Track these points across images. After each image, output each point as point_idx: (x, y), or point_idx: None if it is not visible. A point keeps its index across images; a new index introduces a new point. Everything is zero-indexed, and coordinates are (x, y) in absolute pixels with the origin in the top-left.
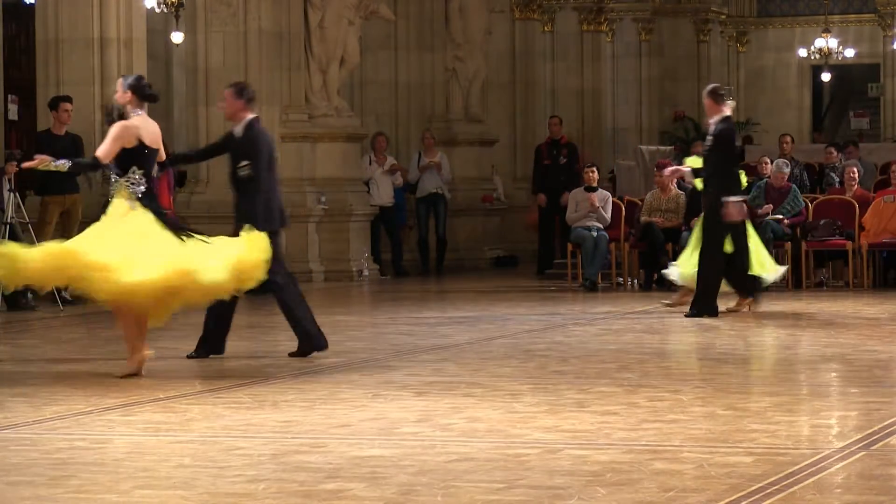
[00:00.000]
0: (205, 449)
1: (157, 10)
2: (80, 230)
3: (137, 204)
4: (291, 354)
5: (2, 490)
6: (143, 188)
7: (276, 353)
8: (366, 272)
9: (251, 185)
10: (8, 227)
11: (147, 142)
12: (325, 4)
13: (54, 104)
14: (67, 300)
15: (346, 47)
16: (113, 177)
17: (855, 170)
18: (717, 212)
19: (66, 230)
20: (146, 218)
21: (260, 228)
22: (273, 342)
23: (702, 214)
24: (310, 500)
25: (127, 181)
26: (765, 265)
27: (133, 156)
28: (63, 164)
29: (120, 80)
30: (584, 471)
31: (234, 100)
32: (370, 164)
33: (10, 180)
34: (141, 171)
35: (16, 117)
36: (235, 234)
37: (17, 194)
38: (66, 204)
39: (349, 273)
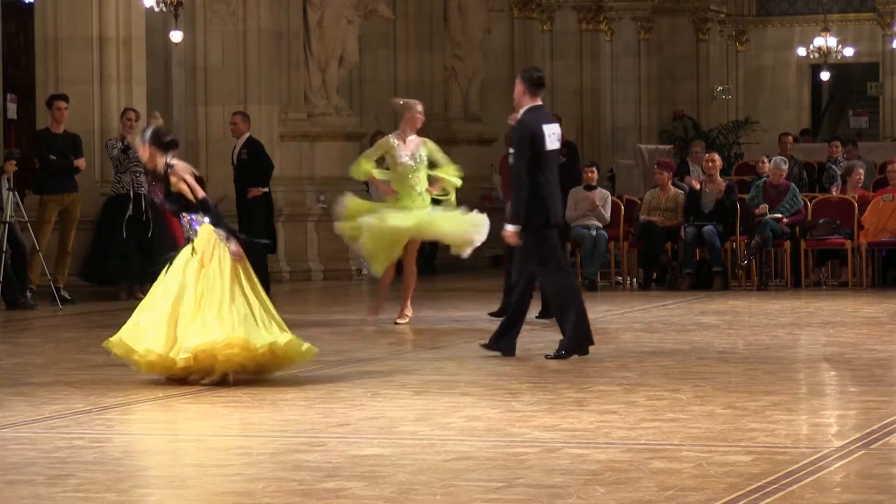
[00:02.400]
0: (204, 448)
1: (157, 9)
2: (79, 229)
3: (219, 234)
4: (547, 356)
5: (1, 489)
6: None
7: None
8: (365, 271)
9: (513, 178)
10: (7, 225)
11: None
12: (324, 3)
13: (49, 103)
14: (66, 299)
15: (345, 46)
16: (192, 218)
17: (862, 172)
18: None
19: (65, 229)
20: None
21: (513, 222)
22: None
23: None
24: (309, 499)
25: (204, 219)
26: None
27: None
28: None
29: (138, 140)
30: (584, 469)
31: (519, 85)
32: None
33: (9, 179)
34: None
35: (14, 116)
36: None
37: (15, 193)
38: (64, 203)
39: (348, 272)
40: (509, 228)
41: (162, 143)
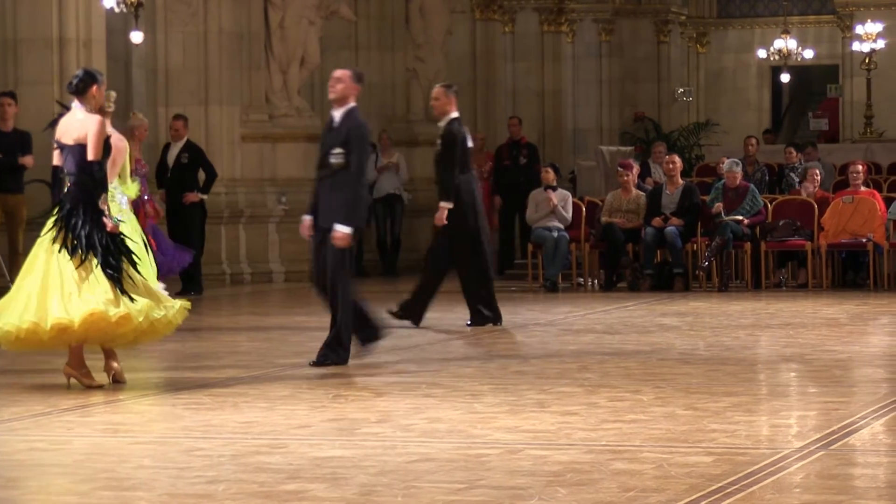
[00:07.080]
0: (164, 450)
1: (117, 10)
2: (28, 231)
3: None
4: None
5: None
6: None
7: (235, 354)
8: None
9: (355, 178)
10: None
11: None
12: (286, 4)
13: None
14: None
15: (306, 47)
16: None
17: (817, 171)
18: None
19: (12, 231)
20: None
21: (347, 224)
22: (233, 343)
23: None
24: (270, 501)
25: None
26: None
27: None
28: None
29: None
30: (545, 471)
31: (351, 83)
32: None
33: None
34: None
35: None
36: (327, 232)
37: None
38: (8, 204)
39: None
40: (345, 230)
41: None
